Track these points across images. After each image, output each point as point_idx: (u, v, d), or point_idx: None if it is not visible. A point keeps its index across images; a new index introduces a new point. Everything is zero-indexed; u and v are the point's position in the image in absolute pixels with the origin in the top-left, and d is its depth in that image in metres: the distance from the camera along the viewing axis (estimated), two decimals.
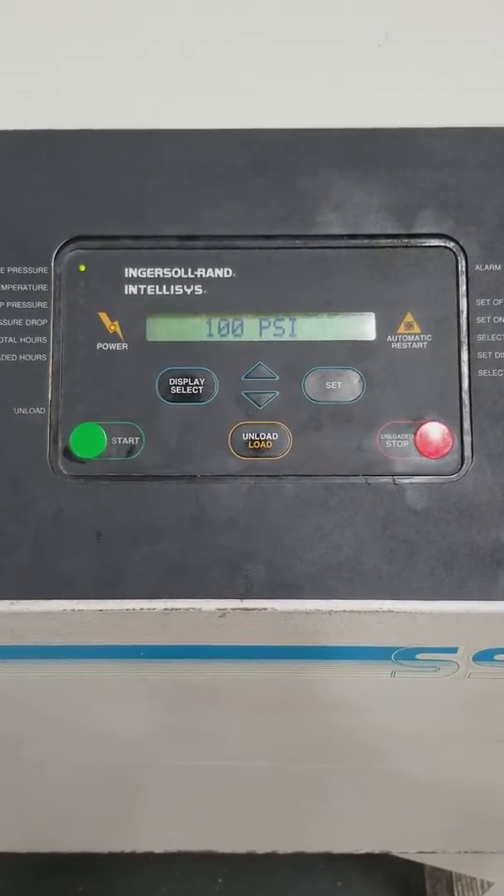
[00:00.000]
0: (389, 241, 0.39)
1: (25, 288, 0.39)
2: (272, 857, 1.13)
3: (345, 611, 0.38)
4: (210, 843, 0.74)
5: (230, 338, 0.39)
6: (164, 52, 0.41)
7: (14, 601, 0.37)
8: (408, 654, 0.41)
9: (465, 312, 0.39)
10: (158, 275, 0.39)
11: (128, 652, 0.41)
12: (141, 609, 0.37)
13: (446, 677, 0.43)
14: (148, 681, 0.44)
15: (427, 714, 0.49)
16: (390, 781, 0.60)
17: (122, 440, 0.38)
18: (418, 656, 0.41)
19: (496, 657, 0.41)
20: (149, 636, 0.39)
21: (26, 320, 0.39)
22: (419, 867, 1.11)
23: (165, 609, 0.37)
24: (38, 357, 0.38)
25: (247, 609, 0.37)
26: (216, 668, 0.42)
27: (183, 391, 0.39)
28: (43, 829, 0.71)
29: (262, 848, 0.74)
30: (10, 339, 0.38)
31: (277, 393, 0.39)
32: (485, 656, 0.41)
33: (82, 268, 0.39)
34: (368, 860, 1.14)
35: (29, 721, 0.51)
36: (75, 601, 0.37)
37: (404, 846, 0.74)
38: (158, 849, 0.74)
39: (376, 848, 0.75)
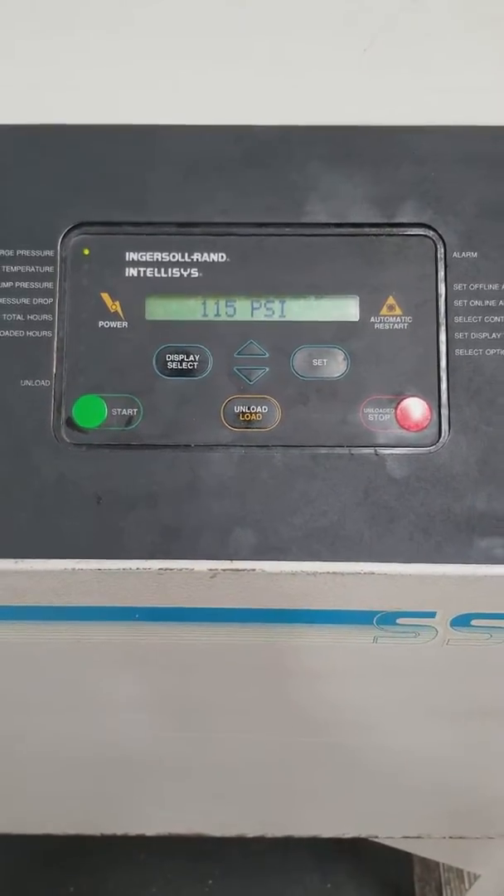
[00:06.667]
0: (373, 229, 0.42)
1: (33, 269, 0.41)
2: (261, 858, 1.15)
3: (328, 572, 0.40)
4: (200, 827, 0.76)
5: (223, 317, 0.42)
6: (164, 51, 0.44)
7: (18, 560, 0.39)
8: (388, 619, 0.44)
9: (443, 296, 0.42)
10: (157, 259, 0.42)
11: (123, 614, 0.43)
12: (137, 569, 0.40)
13: (426, 644, 0.45)
14: (141, 646, 0.46)
15: (409, 685, 0.51)
16: (374, 760, 0.62)
17: (121, 411, 0.41)
18: (398, 621, 0.44)
19: (473, 622, 0.44)
20: (144, 598, 0.42)
21: (33, 299, 0.41)
22: (409, 870, 1.12)
23: (160, 569, 0.40)
24: (43, 333, 0.41)
25: (236, 570, 0.40)
26: (207, 632, 0.45)
27: (179, 366, 0.41)
28: (31, 809, 0.73)
29: (251, 832, 0.76)
30: (18, 317, 0.41)
31: (267, 369, 0.41)
32: (462, 621, 0.44)
33: (86, 251, 0.42)
34: (358, 861, 1.15)
35: (21, 691, 0.53)
36: (75, 560, 0.40)
37: (389, 830, 0.76)
38: (150, 831, 0.76)
39: (362, 832, 0.76)
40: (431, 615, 0.43)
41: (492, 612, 0.43)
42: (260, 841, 1.11)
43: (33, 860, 1.13)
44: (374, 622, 0.44)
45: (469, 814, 0.73)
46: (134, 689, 0.51)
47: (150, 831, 0.76)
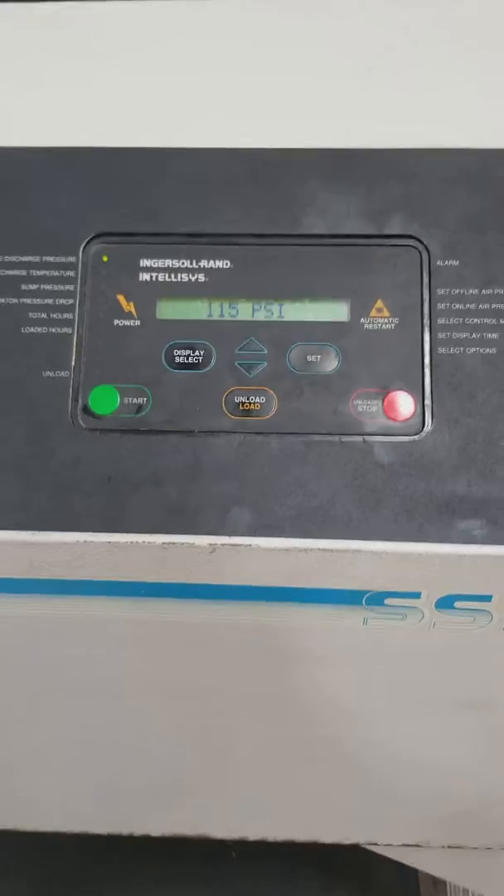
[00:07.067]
0: (364, 240, 0.46)
1: (57, 274, 0.46)
2: (262, 882, 1.15)
3: (318, 549, 0.43)
4: (204, 828, 0.77)
5: (227, 318, 0.46)
6: (176, 84, 0.49)
7: (36, 532, 0.43)
8: (377, 599, 0.47)
9: (427, 300, 0.46)
10: (168, 265, 0.47)
11: (130, 589, 0.46)
12: (143, 542, 0.43)
13: (413, 626, 0.48)
14: (144, 626, 0.49)
15: (400, 673, 0.54)
16: (370, 757, 0.64)
17: (132, 400, 0.45)
18: (386, 601, 0.47)
19: (456, 605, 0.47)
20: (149, 572, 0.45)
21: (56, 300, 0.46)
22: (414, 887, 1.12)
23: (164, 543, 0.43)
24: (64, 330, 0.45)
25: (234, 545, 0.43)
26: (206, 610, 0.48)
27: (185, 361, 0.45)
28: (36, 803, 0.75)
29: (253, 835, 0.78)
30: (42, 315, 0.46)
31: (265, 364, 0.45)
32: (446, 603, 0.47)
33: (105, 258, 0.47)
34: (365, 883, 1.16)
35: (26, 670, 0.56)
36: (87, 533, 0.43)
37: (389, 837, 0.77)
38: (155, 832, 0.78)
39: (362, 838, 0.78)
40: (416, 595, 0.46)
41: (474, 594, 0.46)
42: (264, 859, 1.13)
43: (34, 875, 1.15)
44: (364, 602, 0.47)
45: (468, 819, 0.74)
46: (133, 672, 0.54)
47: (156, 832, 0.78)
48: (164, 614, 0.48)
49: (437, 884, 1.18)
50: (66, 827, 0.78)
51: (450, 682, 0.54)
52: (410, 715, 0.58)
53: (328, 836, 0.78)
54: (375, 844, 0.80)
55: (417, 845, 0.78)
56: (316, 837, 0.78)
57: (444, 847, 0.78)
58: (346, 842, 0.78)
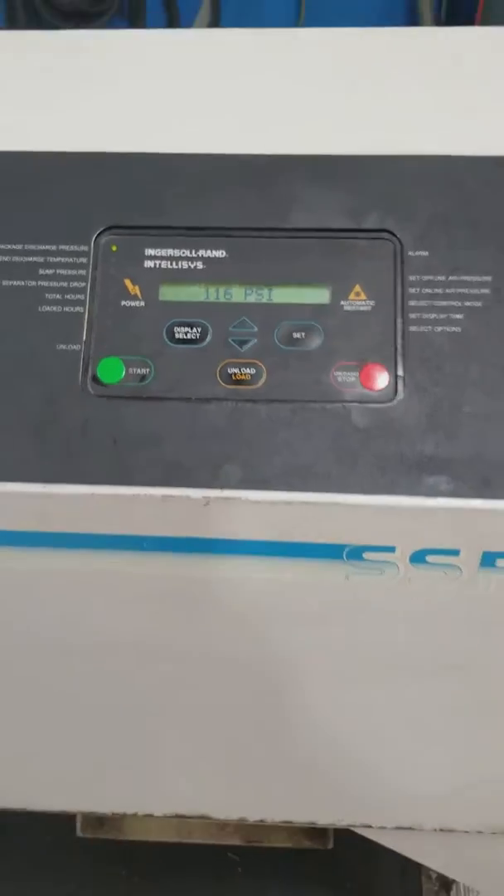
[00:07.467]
0: (345, 233, 0.52)
1: (72, 261, 0.52)
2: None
3: (301, 502, 0.48)
4: (205, 809, 0.81)
5: (222, 300, 0.52)
6: (180, 96, 0.56)
7: (48, 484, 0.49)
8: (356, 553, 0.51)
9: (400, 285, 0.51)
10: (170, 254, 0.53)
11: (133, 542, 0.51)
12: (145, 495, 0.49)
13: (391, 582, 0.53)
14: (148, 578, 0.54)
15: (382, 633, 0.58)
16: (355, 728, 0.68)
17: (136, 370, 0.51)
18: (365, 555, 0.51)
19: (428, 559, 0.51)
20: (151, 526, 0.50)
21: (70, 283, 0.52)
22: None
23: (163, 496, 0.49)
24: (77, 309, 0.51)
25: (226, 498, 0.48)
26: (201, 563, 0.53)
27: (184, 336, 0.51)
28: (37, 781, 0.78)
29: (252, 816, 0.81)
30: (58, 296, 0.52)
31: (256, 340, 0.51)
32: (419, 557, 0.51)
33: (114, 248, 0.53)
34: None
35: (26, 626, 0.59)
36: (95, 486, 0.49)
37: (381, 819, 0.80)
38: (158, 811, 0.81)
39: (357, 820, 0.81)
40: (391, 549, 0.51)
41: (443, 548, 0.51)
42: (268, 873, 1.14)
43: (35, 883, 1.16)
44: (345, 556, 0.52)
45: (457, 801, 0.77)
46: (130, 633, 0.58)
47: (158, 811, 0.81)
48: (162, 568, 0.53)
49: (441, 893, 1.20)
50: (65, 806, 0.82)
51: (428, 644, 0.58)
52: (393, 679, 0.62)
53: (324, 818, 0.81)
54: (370, 828, 0.83)
55: (410, 828, 0.81)
56: (314, 819, 0.81)
57: (436, 830, 0.81)
58: (342, 824, 0.81)
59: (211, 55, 0.58)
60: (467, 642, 0.58)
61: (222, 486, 0.48)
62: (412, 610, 0.55)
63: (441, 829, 0.81)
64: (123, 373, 0.50)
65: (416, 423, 0.49)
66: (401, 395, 0.50)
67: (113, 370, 0.50)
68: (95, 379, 0.50)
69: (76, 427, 0.50)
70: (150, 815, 0.82)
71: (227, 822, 0.81)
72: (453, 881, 1.20)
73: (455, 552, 0.51)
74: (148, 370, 0.51)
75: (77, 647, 0.61)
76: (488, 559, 0.51)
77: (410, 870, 1.27)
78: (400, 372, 0.50)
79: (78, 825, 1.18)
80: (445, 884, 1.23)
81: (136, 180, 0.53)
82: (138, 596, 0.56)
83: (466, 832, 0.82)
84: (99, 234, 0.53)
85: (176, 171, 0.54)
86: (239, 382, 0.50)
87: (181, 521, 0.50)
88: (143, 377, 0.51)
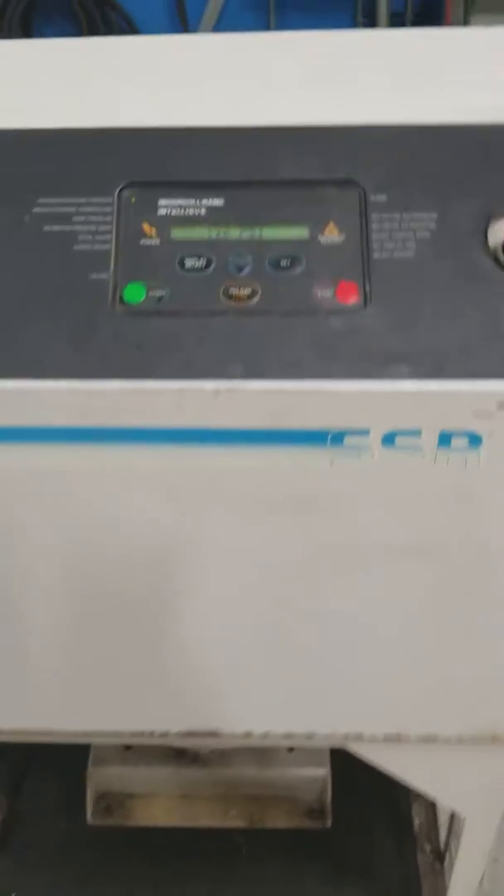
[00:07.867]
0: (320, 184, 0.65)
1: (99, 210, 0.64)
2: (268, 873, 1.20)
3: (293, 390, 0.60)
4: (215, 724, 0.89)
5: (222, 237, 0.64)
6: (186, 82, 0.69)
7: (85, 380, 0.60)
8: (338, 438, 0.63)
9: (364, 222, 0.64)
10: (179, 204, 0.65)
11: (149, 435, 0.62)
12: (164, 388, 0.60)
13: (367, 465, 0.64)
14: (164, 470, 0.65)
15: (362, 519, 0.68)
16: (339, 630, 0.77)
17: (155, 293, 0.62)
18: (346, 440, 0.63)
19: (397, 441, 0.63)
20: (166, 417, 0.61)
21: (99, 227, 0.64)
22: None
23: (179, 388, 0.60)
24: (105, 247, 0.63)
25: (231, 389, 0.60)
26: (210, 453, 0.64)
27: (193, 266, 0.63)
28: (38, 704, 0.86)
29: (258, 729, 0.89)
30: (89, 237, 0.64)
31: (251, 266, 0.63)
32: (389, 440, 0.63)
33: (133, 199, 0.65)
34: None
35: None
36: (123, 381, 0.60)
37: (370, 727, 0.88)
38: (174, 729, 0.89)
39: (350, 729, 0.89)
40: (366, 433, 0.62)
41: (408, 429, 0.62)
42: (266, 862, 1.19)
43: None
44: (329, 442, 0.63)
45: (439, 707, 0.85)
46: (144, 517, 0.68)
47: (159, 729, 0.89)
48: (176, 460, 0.64)
49: (437, 874, 1.27)
50: (85, 726, 0.89)
51: (400, 525, 0.69)
52: (376, 564, 0.72)
53: (322, 728, 0.89)
54: (361, 740, 0.91)
55: (398, 736, 0.89)
56: (313, 729, 0.89)
57: (420, 739, 0.90)
58: (338, 733, 0.90)
59: (210, 55, 0.72)
60: (436, 522, 0.69)
61: (229, 377, 0.60)
62: (386, 495, 0.66)
63: (426, 739, 0.90)
64: (144, 295, 0.62)
65: (381, 327, 0.61)
66: (369, 305, 0.62)
67: (136, 293, 0.62)
68: (122, 300, 0.62)
69: (107, 338, 0.61)
70: (166, 734, 0.90)
71: (234, 735, 0.89)
72: (445, 851, 1.27)
73: (417, 432, 0.62)
74: (164, 292, 0.62)
75: (94, 551, 0.71)
76: (444, 438, 0.62)
77: (406, 845, 1.34)
78: (367, 288, 0.62)
79: (88, 812, 1.25)
80: (439, 855, 1.30)
81: (151, 146, 0.66)
82: (154, 487, 0.67)
83: (448, 742, 0.90)
84: (121, 189, 0.65)
85: (183, 140, 0.66)
86: (238, 301, 0.62)
87: (194, 413, 0.61)
88: (160, 298, 0.62)
